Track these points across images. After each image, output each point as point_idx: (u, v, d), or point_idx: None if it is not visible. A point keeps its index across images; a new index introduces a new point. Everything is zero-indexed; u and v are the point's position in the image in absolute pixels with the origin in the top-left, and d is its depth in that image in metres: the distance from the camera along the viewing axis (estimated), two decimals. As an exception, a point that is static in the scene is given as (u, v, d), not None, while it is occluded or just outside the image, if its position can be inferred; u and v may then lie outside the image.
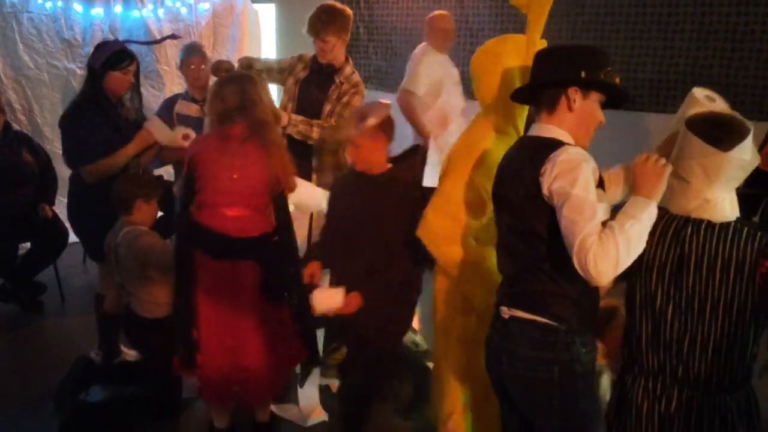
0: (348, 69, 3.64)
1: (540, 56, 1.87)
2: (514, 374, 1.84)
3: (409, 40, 7.76)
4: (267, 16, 7.41)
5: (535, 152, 1.77)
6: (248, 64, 3.84)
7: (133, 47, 3.57)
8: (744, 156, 1.65)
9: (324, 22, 3.45)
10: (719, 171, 1.64)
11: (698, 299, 1.66)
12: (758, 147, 2.87)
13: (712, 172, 1.65)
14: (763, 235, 1.65)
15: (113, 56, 3.29)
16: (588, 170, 1.67)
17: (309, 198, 3.13)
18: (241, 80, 2.70)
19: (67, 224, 4.29)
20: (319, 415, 3.15)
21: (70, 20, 5.55)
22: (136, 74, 3.42)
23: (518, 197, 1.79)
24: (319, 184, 3.48)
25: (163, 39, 4.89)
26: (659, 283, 1.71)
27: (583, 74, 1.75)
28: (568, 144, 1.76)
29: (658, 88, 5.76)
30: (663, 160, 1.69)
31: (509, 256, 1.87)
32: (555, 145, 1.74)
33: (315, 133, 3.48)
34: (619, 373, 1.85)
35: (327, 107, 3.57)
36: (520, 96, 1.93)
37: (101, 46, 3.44)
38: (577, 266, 1.60)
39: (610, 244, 1.56)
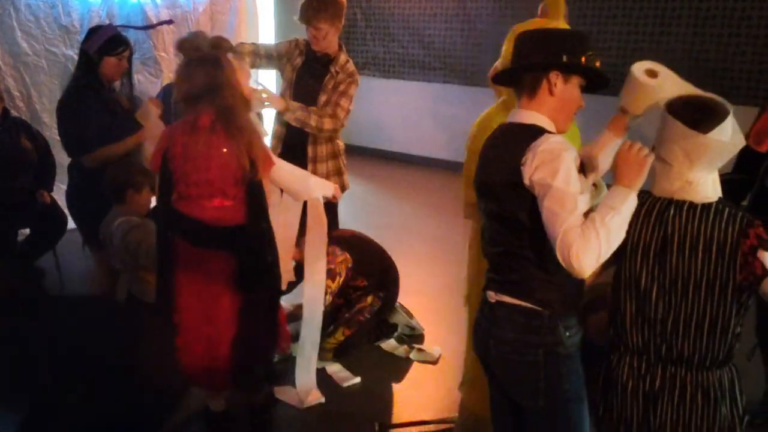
0: (343, 57, 3.64)
1: (522, 39, 1.88)
2: (500, 357, 1.89)
3: (406, 26, 7.77)
4: (265, 4, 7.40)
5: (515, 140, 1.79)
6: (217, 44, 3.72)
7: (129, 33, 3.58)
8: (723, 137, 1.67)
9: (316, 9, 3.44)
10: (700, 153, 1.67)
11: (681, 279, 1.70)
12: (749, 129, 2.91)
13: (692, 155, 1.68)
14: (744, 215, 1.68)
15: (109, 42, 3.30)
16: (569, 160, 1.69)
17: (300, 185, 3.14)
18: (209, 62, 2.62)
19: (66, 210, 4.34)
20: (316, 398, 3.20)
21: (68, 6, 5.55)
22: (129, 60, 3.44)
23: (500, 185, 1.81)
24: (315, 174, 3.50)
25: (158, 24, 4.89)
26: (643, 263, 1.75)
27: (564, 58, 1.77)
28: (549, 132, 1.78)
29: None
30: (645, 150, 1.71)
31: (493, 242, 1.89)
32: (535, 132, 1.76)
33: (313, 121, 3.50)
34: (605, 352, 1.88)
35: (323, 97, 3.58)
36: (501, 78, 1.94)
37: (95, 31, 3.44)
38: (560, 258, 1.63)
39: (591, 237, 1.60)
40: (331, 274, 3.57)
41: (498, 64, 2.56)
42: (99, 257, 3.48)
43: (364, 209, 6.03)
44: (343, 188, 3.73)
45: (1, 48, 5.23)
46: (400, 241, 4.93)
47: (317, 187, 3.14)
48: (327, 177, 3.64)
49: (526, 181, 1.72)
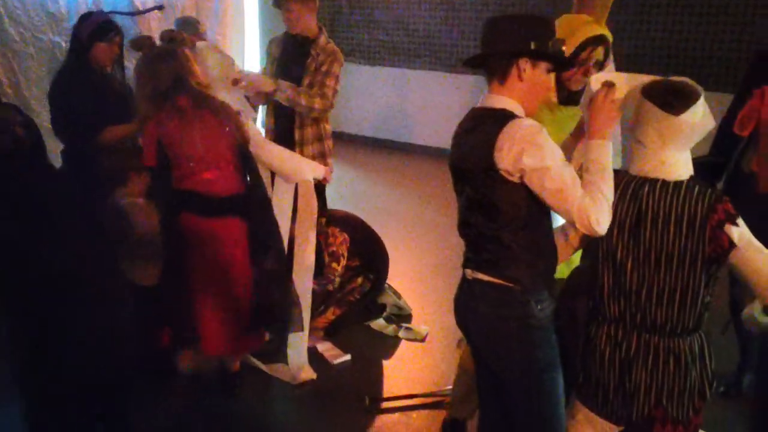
0: (323, 39, 3.66)
1: (490, 25, 1.93)
2: (478, 330, 2.02)
3: (391, 13, 7.83)
4: (251, -10, 7.41)
5: (486, 125, 1.86)
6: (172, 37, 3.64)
7: (117, 18, 3.61)
8: (695, 119, 1.77)
9: None
10: (672, 134, 1.77)
11: (654, 252, 1.81)
12: (725, 114, 3.03)
13: (666, 136, 1.78)
14: (713, 192, 1.79)
15: (99, 27, 3.34)
16: (547, 137, 1.79)
17: (290, 166, 3.23)
18: (168, 56, 2.81)
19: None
20: (308, 375, 3.30)
21: (55, -7, 5.55)
22: (120, 46, 3.49)
23: (473, 170, 1.88)
24: (303, 156, 3.58)
25: (148, 10, 4.88)
26: (619, 238, 1.85)
27: (532, 45, 1.83)
28: (518, 116, 1.85)
29: (636, 63, 5.90)
30: (616, 99, 1.85)
31: (467, 224, 1.98)
32: (505, 118, 1.83)
33: (303, 100, 3.52)
34: (585, 322, 2.00)
35: (306, 80, 3.60)
36: (472, 62, 2.00)
37: (86, 17, 3.47)
38: (580, 227, 1.76)
39: (600, 199, 1.75)
40: (335, 257, 3.66)
41: None
42: None
43: (351, 195, 6.11)
44: (321, 154, 3.80)
45: (-11, 35, 5.24)
46: (388, 226, 5.02)
47: (308, 169, 3.23)
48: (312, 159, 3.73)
49: (502, 167, 1.80)
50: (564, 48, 1.97)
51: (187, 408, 3.09)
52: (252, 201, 2.92)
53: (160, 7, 4.66)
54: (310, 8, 3.59)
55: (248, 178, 2.93)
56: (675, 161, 1.81)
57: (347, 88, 7.54)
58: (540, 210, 1.86)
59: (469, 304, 2.00)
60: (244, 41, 7.13)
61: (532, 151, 1.76)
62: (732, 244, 1.75)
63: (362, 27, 8.07)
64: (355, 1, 8.01)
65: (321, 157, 3.79)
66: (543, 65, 1.88)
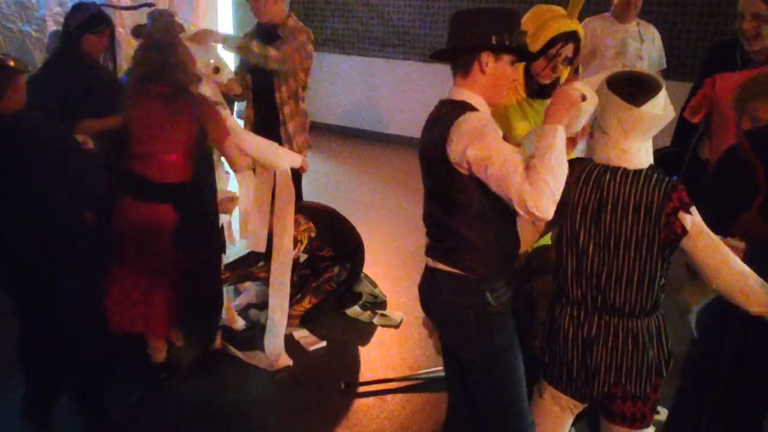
0: (291, 21, 3.70)
1: (454, 20, 1.96)
2: (439, 317, 2.11)
3: (365, 3, 7.84)
4: (223, -21, 7.37)
5: (444, 117, 1.91)
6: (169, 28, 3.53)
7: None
8: (656, 111, 1.85)
9: None
10: (634, 124, 1.85)
11: (614, 237, 1.89)
12: (684, 103, 3.13)
13: (627, 126, 1.85)
14: (669, 181, 1.87)
15: (89, 19, 3.37)
16: (493, 128, 1.84)
17: (268, 156, 3.28)
18: (162, 46, 2.94)
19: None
20: (285, 361, 3.36)
21: (25, -18, 5.48)
22: (111, 38, 3.51)
23: (431, 161, 1.95)
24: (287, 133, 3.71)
25: (139, 6, 4.89)
26: (582, 223, 1.93)
27: (493, 39, 1.87)
28: (474, 109, 1.89)
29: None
30: (579, 91, 1.86)
31: (427, 214, 2.05)
32: (461, 110, 1.87)
33: (256, 48, 3.52)
34: (549, 304, 2.09)
35: None
36: (439, 56, 2.01)
37: (78, 8, 3.49)
38: (522, 213, 1.77)
39: (539, 182, 1.73)
40: (293, 242, 3.71)
41: None
42: None
43: (327, 185, 6.16)
44: (308, 146, 3.90)
45: (-43, 24, 5.17)
46: (364, 215, 5.08)
47: (286, 159, 3.29)
48: (294, 136, 3.79)
49: (453, 158, 1.85)
50: (528, 40, 2.00)
51: (163, 395, 3.13)
52: (189, 193, 3.00)
53: (149, 5, 4.67)
54: None
55: (197, 171, 3.03)
56: (636, 150, 1.89)
57: (321, 78, 7.57)
58: (495, 200, 1.88)
59: (431, 292, 2.08)
60: (217, 30, 7.10)
61: (475, 143, 1.80)
62: (684, 231, 1.83)
63: (337, 16, 8.07)
64: (330, -10, 8.02)
65: (303, 131, 3.87)
66: (506, 58, 1.91)
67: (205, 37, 3.42)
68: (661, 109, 1.86)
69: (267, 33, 3.69)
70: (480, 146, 1.80)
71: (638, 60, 4.35)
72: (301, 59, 3.63)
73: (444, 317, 2.09)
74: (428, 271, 2.08)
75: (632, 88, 1.85)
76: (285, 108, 3.74)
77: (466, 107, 1.90)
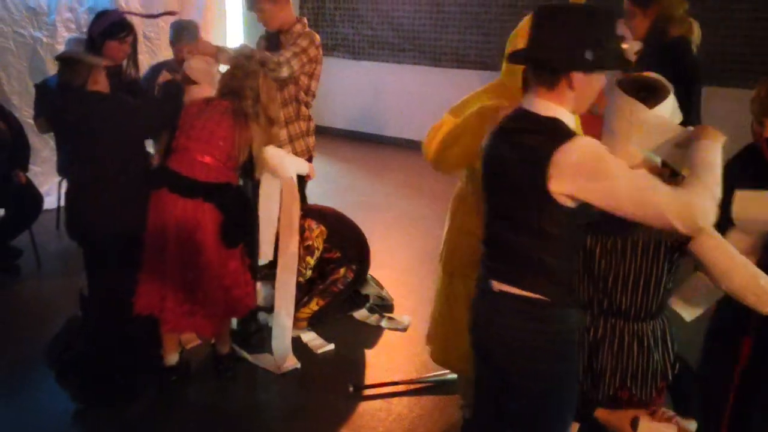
0: (298, 26, 3.68)
1: (542, 20, 1.74)
2: (503, 343, 1.88)
3: (375, 8, 7.87)
4: (233, -15, 7.43)
5: (537, 136, 1.72)
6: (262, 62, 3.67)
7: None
8: (664, 113, 1.86)
9: None
10: (641, 126, 1.84)
11: (620, 241, 1.89)
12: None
13: (637, 126, 1.85)
14: (675, 184, 1.86)
15: (112, 26, 3.42)
16: (605, 153, 1.67)
17: (276, 162, 3.28)
18: (250, 76, 3.05)
19: (44, 188, 4.40)
20: (292, 364, 3.37)
21: (35, -12, 5.54)
22: (134, 45, 3.55)
23: (517, 185, 1.76)
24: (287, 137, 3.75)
25: (161, 15, 4.95)
26: (589, 227, 1.93)
27: (588, 56, 1.66)
28: (572, 133, 1.71)
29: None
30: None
31: (497, 236, 1.87)
32: (558, 133, 1.70)
33: (258, 54, 3.47)
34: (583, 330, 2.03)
35: None
36: (517, 58, 1.89)
37: (101, 15, 3.55)
38: (680, 224, 1.61)
39: (702, 190, 1.63)
40: (309, 250, 3.72)
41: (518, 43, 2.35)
42: None
43: (335, 188, 6.17)
44: (309, 150, 3.88)
45: (-31, 30, 5.23)
46: (371, 218, 5.09)
47: (292, 166, 3.30)
48: (304, 137, 3.81)
49: (556, 191, 1.68)
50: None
51: (173, 397, 3.15)
52: (234, 195, 3.08)
53: (172, 13, 4.73)
54: (281, 6, 3.62)
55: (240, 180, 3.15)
56: (642, 153, 1.88)
57: (331, 83, 7.60)
58: (579, 228, 1.81)
59: (494, 318, 1.88)
60: (226, 37, 7.16)
61: (595, 172, 1.64)
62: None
63: (347, 21, 8.10)
64: (339, -5, 8.05)
65: (310, 135, 3.87)
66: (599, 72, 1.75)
67: (200, 49, 3.45)
68: (669, 112, 1.88)
69: (276, 40, 3.71)
70: (602, 174, 1.64)
71: None
72: (301, 64, 3.58)
73: (512, 344, 1.86)
74: (489, 294, 1.89)
75: (642, 92, 1.86)
76: (282, 112, 3.73)
77: (560, 130, 1.71)
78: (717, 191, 1.65)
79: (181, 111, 3.07)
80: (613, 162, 1.66)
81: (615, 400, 1.96)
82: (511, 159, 1.76)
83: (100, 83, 3.04)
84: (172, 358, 3.19)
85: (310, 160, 3.82)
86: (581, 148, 1.66)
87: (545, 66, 1.73)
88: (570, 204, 1.71)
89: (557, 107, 1.74)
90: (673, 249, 1.86)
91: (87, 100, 2.99)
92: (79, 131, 3.02)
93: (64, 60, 3.06)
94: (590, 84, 1.74)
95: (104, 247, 3.09)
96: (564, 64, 1.70)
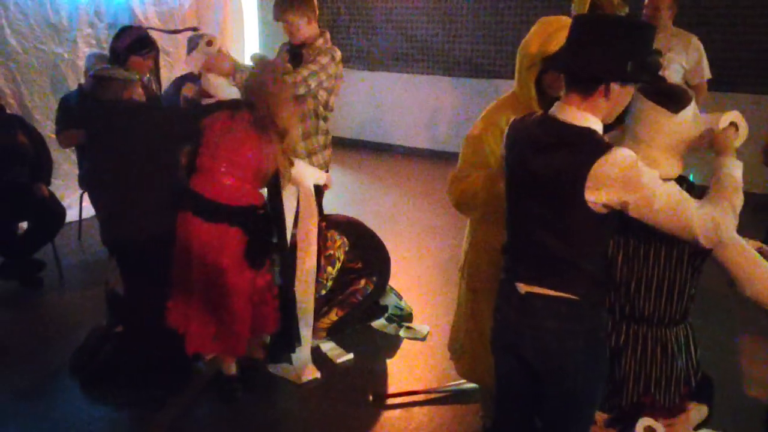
0: (320, 41, 3.70)
1: (584, 30, 1.77)
2: (540, 347, 1.89)
3: (389, 19, 7.93)
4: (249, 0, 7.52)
5: (572, 147, 1.75)
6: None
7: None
8: (686, 119, 1.88)
9: (283, 5, 3.59)
10: (666, 131, 1.87)
11: (643, 246, 1.90)
12: None
13: (661, 133, 1.87)
14: (698, 191, 1.88)
15: (135, 42, 3.49)
16: (641, 165, 1.71)
17: (294, 172, 3.31)
18: (265, 83, 3.00)
19: (66, 201, 4.47)
20: (313, 373, 3.38)
21: (56, 5, 5.62)
22: (156, 60, 3.62)
23: (554, 194, 1.78)
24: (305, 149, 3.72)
25: (183, 30, 5.04)
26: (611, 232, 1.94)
27: (629, 67, 1.70)
28: (607, 145, 1.73)
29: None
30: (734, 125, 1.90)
31: (531, 240, 1.87)
32: (594, 144, 1.73)
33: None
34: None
35: None
36: (556, 66, 1.94)
37: (124, 31, 3.61)
38: (703, 238, 1.69)
39: (725, 206, 1.73)
40: (330, 260, 3.73)
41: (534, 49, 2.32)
42: None
43: (351, 198, 6.20)
44: (325, 165, 3.88)
45: (-8, 46, 5.33)
46: (387, 228, 5.10)
47: (311, 175, 3.33)
48: (322, 150, 3.81)
49: (593, 200, 1.72)
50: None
51: (193, 407, 3.17)
52: (259, 217, 3.02)
53: (195, 29, 4.81)
54: (309, 18, 3.65)
55: (269, 196, 3.07)
56: (664, 159, 1.90)
57: (345, 93, 7.63)
58: (611, 230, 1.85)
59: (524, 321, 1.89)
60: (244, 50, 7.24)
61: (632, 184, 1.69)
62: None
63: (361, 33, 8.17)
64: (354, 8, 8.11)
65: (327, 148, 3.87)
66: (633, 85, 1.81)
67: (217, 68, 3.47)
68: (690, 119, 1.89)
69: (298, 53, 3.73)
70: (639, 186, 1.69)
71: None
72: (319, 82, 3.58)
73: (546, 346, 1.88)
74: (515, 297, 1.90)
75: (664, 98, 1.88)
76: (301, 126, 3.76)
77: (598, 142, 1.74)
78: (737, 203, 1.75)
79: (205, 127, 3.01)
80: (648, 174, 1.71)
81: (638, 405, 1.96)
82: (547, 169, 1.78)
83: (137, 97, 3.14)
84: (231, 368, 3.18)
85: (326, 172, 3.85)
86: (620, 161, 1.70)
87: (586, 75, 1.75)
88: (603, 211, 1.75)
89: (590, 116, 1.77)
90: (696, 254, 1.87)
91: (130, 110, 3.07)
92: (119, 140, 3.04)
93: (100, 77, 3.12)
94: (624, 95, 1.79)
95: (140, 255, 3.09)
96: (606, 74, 1.73)
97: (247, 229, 2.94)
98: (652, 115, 1.87)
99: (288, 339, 3.21)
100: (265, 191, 3.09)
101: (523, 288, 1.87)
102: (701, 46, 4.39)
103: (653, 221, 1.72)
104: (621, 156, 1.70)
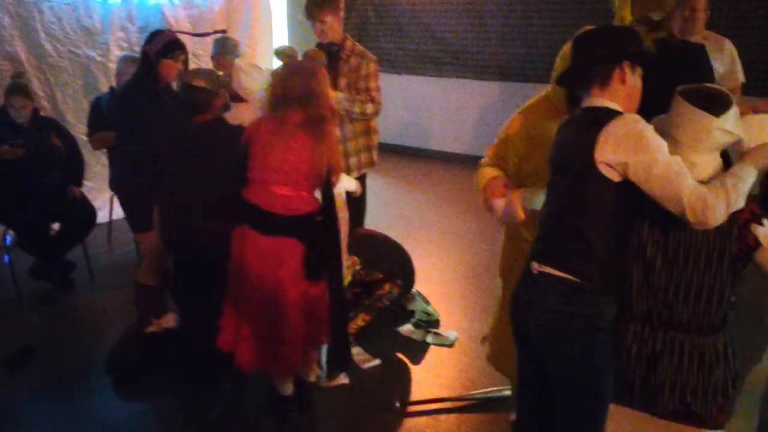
0: (349, 42, 3.83)
1: (584, 39, 1.97)
2: (540, 325, 1.97)
3: (418, 22, 7.90)
4: (278, 2, 7.56)
5: (590, 123, 1.88)
6: (312, 56, 3.87)
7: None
8: (728, 123, 1.83)
9: (319, 3, 3.66)
10: (707, 134, 1.82)
11: (683, 250, 1.85)
12: None
13: (703, 136, 1.83)
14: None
15: (167, 45, 3.53)
16: (650, 130, 1.82)
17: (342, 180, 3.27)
18: (306, 72, 2.86)
19: (96, 203, 4.52)
20: (341, 380, 3.36)
21: (89, 8, 5.72)
22: (185, 63, 3.66)
23: (569, 163, 1.92)
24: (345, 150, 3.79)
25: (211, 34, 5.10)
26: (650, 236, 1.89)
27: (631, 48, 1.91)
28: (622, 113, 1.88)
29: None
30: None
31: (550, 214, 2.00)
32: (609, 114, 1.87)
33: (357, 107, 3.69)
34: (613, 322, 2.03)
35: (342, 81, 3.74)
36: (567, 78, 2.04)
37: (156, 35, 3.65)
38: (690, 214, 1.73)
39: (721, 192, 1.74)
40: None
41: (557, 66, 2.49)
42: (144, 240, 3.65)
43: (379, 202, 6.17)
44: (372, 163, 3.98)
45: (26, 49, 5.40)
46: (415, 232, 5.07)
47: (342, 182, 3.30)
48: (357, 153, 3.85)
49: (602, 161, 1.82)
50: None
51: (222, 409, 3.17)
52: (316, 226, 2.89)
53: (223, 32, 4.86)
54: (340, 17, 3.78)
55: (323, 205, 2.92)
56: (705, 163, 1.86)
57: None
58: (628, 212, 1.89)
59: (532, 300, 1.98)
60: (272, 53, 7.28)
61: (636, 147, 1.78)
62: (757, 243, 1.79)
63: (389, 36, 8.15)
64: (383, 10, 8.11)
65: (366, 150, 3.93)
66: (638, 71, 1.94)
67: None
68: (732, 122, 1.84)
69: (328, 53, 3.76)
70: (642, 150, 1.78)
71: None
72: (380, 89, 3.78)
73: (546, 326, 1.96)
74: (529, 278, 2.00)
75: (705, 101, 1.84)
76: (347, 126, 3.79)
77: (611, 112, 1.88)
78: (734, 200, 1.75)
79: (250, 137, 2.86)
80: (655, 140, 1.79)
81: (673, 414, 1.91)
82: (568, 142, 1.96)
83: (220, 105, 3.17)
84: (287, 388, 3.08)
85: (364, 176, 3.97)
86: (630, 123, 1.83)
87: (597, 61, 1.91)
88: (612, 176, 1.83)
89: (611, 102, 1.91)
90: (737, 258, 1.81)
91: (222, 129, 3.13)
92: (198, 154, 3.08)
93: (192, 87, 3.11)
94: (636, 82, 1.94)
95: (201, 261, 3.07)
96: (617, 53, 1.90)
97: (305, 239, 2.82)
98: (694, 118, 1.84)
99: (341, 352, 3.10)
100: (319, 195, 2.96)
101: (536, 267, 1.97)
102: (735, 50, 4.30)
103: (648, 187, 1.79)
104: (631, 119, 1.84)
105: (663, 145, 1.80)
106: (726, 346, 1.90)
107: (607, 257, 1.89)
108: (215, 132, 3.14)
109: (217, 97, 3.15)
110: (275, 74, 2.97)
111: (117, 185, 4.02)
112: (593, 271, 1.88)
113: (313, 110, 2.76)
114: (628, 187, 1.83)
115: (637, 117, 1.85)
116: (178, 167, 3.12)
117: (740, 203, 1.77)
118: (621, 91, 1.91)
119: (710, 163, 1.87)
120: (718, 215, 1.72)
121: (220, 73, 3.57)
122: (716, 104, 1.84)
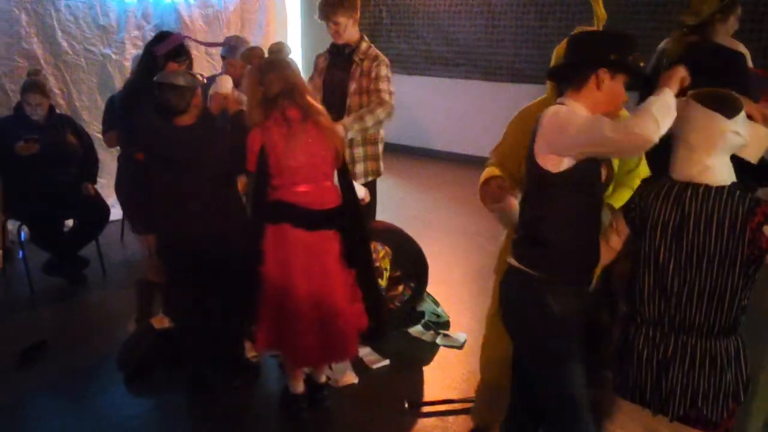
0: (364, 45, 3.78)
1: (574, 40, 2.05)
2: (509, 314, 2.15)
3: (430, 23, 7.91)
4: (293, 2, 7.58)
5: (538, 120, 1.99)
6: (279, 50, 4.04)
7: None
8: (739, 126, 1.86)
9: (332, 4, 3.63)
10: (720, 137, 1.84)
11: (696, 254, 1.85)
12: None
13: (717, 139, 1.84)
14: (752, 197, 1.84)
15: (175, 49, 3.57)
16: (578, 114, 1.90)
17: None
18: (280, 66, 2.87)
19: (110, 200, 4.56)
20: (350, 378, 3.38)
21: (105, 7, 5.77)
22: (189, 68, 3.69)
23: (527, 160, 2.02)
24: (352, 157, 3.79)
25: (223, 44, 5.11)
26: (662, 240, 1.90)
27: (612, 57, 1.92)
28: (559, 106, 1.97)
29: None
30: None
31: (521, 209, 2.12)
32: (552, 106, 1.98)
33: (369, 121, 3.62)
34: (622, 327, 2.03)
35: (353, 85, 3.72)
36: (554, 74, 2.15)
37: (164, 36, 3.68)
38: (630, 145, 1.80)
39: (645, 112, 1.79)
40: (378, 272, 3.72)
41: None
42: (144, 240, 3.67)
43: (389, 202, 6.17)
44: (378, 173, 3.96)
45: (43, 47, 5.46)
46: (423, 233, 5.06)
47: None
48: (364, 161, 3.85)
49: (540, 153, 1.93)
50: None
51: (232, 406, 3.20)
52: (345, 214, 2.91)
53: (231, 46, 4.88)
54: (355, 19, 3.74)
55: (346, 191, 2.95)
56: (719, 166, 1.87)
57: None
58: (583, 207, 1.96)
59: (506, 292, 2.15)
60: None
61: (558, 124, 1.89)
62: None
63: (402, 37, 8.16)
64: (396, 11, 8.12)
65: (373, 159, 3.94)
66: (621, 77, 1.96)
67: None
68: (742, 124, 1.87)
69: (342, 54, 3.78)
70: (562, 126, 1.88)
71: None
72: (392, 93, 3.75)
73: (507, 313, 2.15)
74: (506, 269, 2.14)
75: (718, 103, 1.87)
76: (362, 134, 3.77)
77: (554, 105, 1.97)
78: (658, 114, 1.78)
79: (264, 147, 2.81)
80: (579, 117, 1.88)
81: (684, 418, 1.91)
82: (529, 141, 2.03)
83: (199, 104, 3.08)
84: (299, 386, 3.09)
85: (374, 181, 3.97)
86: (555, 109, 1.94)
87: (577, 66, 1.96)
88: (550, 168, 1.91)
89: (574, 102, 1.96)
90: (749, 261, 1.81)
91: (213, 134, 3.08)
92: (192, 158, 3.02)
93: (167, 86, 2.99)
94: (616, 88, 1.95)
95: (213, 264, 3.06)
96: (593, 59, 1.94)
97: (342, 229, 2.87)
98: (707, 121, 1.86)
99: (377, 318, 3.08)
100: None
101: (509, 260, 2.10)
102: (747, 54, 4.29)
103: (581, 150, 1.87)
104: (553, 109, 1.95)
105: (580, 115, 1.89)
106: (738, 350, 1.90)
107: (559, 248, 1.96)
108: (202, 136, 3.04)
109: (195, 96, 3.04)
110: (251, 76, 2.96)
111: (116, 187, 4.06)
112: (541, 261, 1.98)
113: (302, 99, 2.79)
114: (577, 180, 1.91)
115: (565, 108, 1.93)
116: (162, 172, 3.04)
117: (668, 119, 1.80)
118: (595, 96, 1.95)
119: (725, 164, 1.89)
120: (648, 130, 1.76)
121: (199, 75, 3.55)
122: (729, 106, 1.87)
